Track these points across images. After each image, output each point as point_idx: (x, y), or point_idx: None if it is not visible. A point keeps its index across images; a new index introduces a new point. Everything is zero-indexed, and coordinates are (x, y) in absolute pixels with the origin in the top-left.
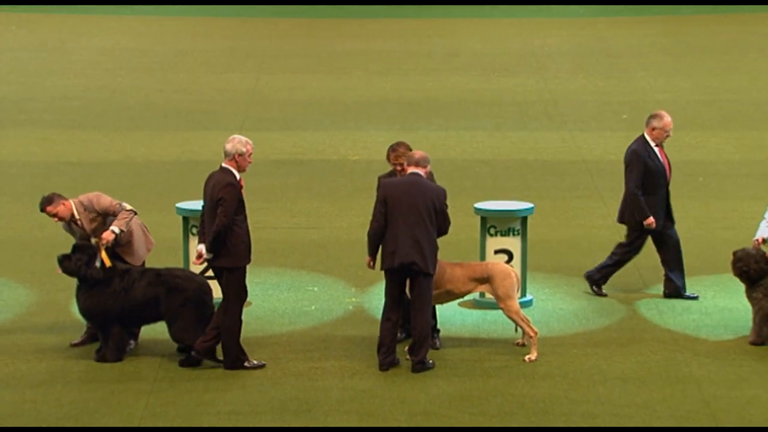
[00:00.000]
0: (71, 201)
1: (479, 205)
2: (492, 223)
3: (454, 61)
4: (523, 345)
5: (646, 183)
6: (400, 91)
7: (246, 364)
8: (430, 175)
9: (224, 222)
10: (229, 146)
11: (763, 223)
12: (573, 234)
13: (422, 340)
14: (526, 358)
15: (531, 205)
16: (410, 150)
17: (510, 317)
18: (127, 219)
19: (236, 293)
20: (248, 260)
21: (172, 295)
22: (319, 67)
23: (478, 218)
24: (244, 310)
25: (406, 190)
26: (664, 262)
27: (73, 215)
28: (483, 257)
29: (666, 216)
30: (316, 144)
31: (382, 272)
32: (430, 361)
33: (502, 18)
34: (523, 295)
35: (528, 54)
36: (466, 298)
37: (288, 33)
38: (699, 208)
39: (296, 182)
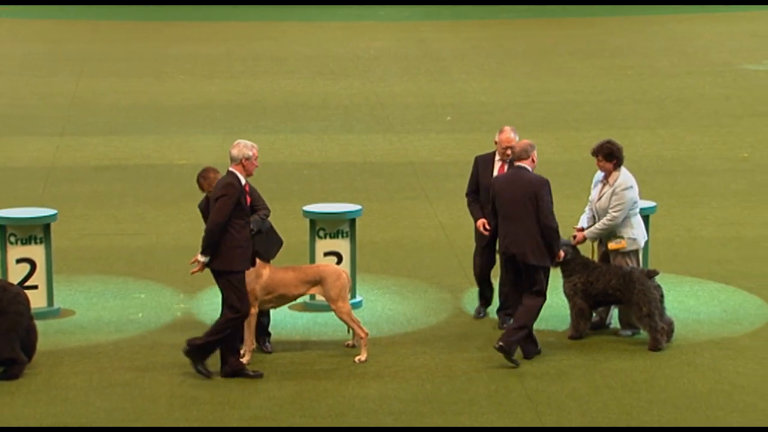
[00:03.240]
0: None
1: (308, 207)
2: (321, 226)
3: (281, 65)
4: (354, 346)
5: (482, 194)
6: (226, 94)
7: (199, 368)
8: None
9: (216, 220)
10: (234, 151)
11: (583, 216)
12: (401, 235)
13: (518, 328)
14: (357, 358)
15: (359, 207)
16: (217, 174)
17: (341, 318)
18: None
19: (231, 298)
20: (245, 266)
21: None
22: (143, 70)
23: (307, 221)
24: (68, 320)
25: (506, 184)
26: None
27: None
28: (313, 260)
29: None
30: (141, 149)
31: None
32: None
33: (328, 21)
34: (353, 296)
35: (354, 57)
36: (297, 300)
37: (110, 36)
38: None
39: (121, 188)
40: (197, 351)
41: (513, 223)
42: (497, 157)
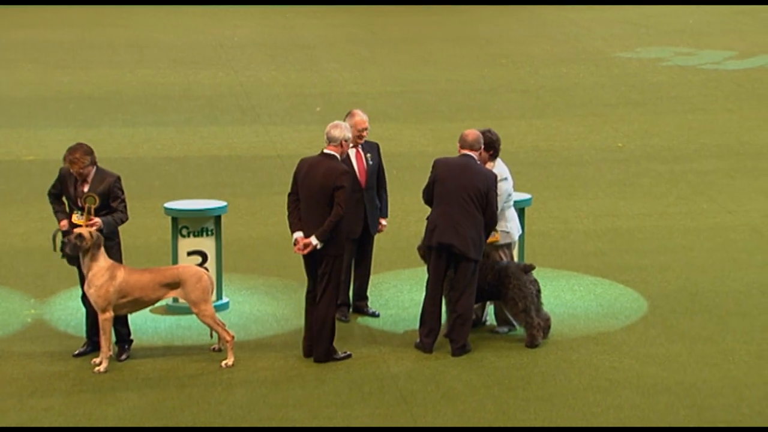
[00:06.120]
0: None
1: (169, 204)
2: (184, 224)
3: (138, 53)
4: (220, 350)
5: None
6: (79, 84)
7: (335, 356)
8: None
9: (342, 212)
10: (336, 132)
11: None
12: (270, 232)
13: (463, 323)
14: (223, 363)
15: (224, 203)
16: (88, 154)
17: (204, 322)
18: None
19: (337, 281)
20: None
21: None
22: None
23: (169, 219)
24: None
25: (454, 172)
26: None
27: None
28: (175, 260)
29: (365, 225)
30: None
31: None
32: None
33: (187, 6)
34: (219, 297)
35: (217, 45)
36: (158, 303)
37: None
38: (394, 201)
39: None
40: (327, 353)
41: (458, 214)
42: (350, 144)
